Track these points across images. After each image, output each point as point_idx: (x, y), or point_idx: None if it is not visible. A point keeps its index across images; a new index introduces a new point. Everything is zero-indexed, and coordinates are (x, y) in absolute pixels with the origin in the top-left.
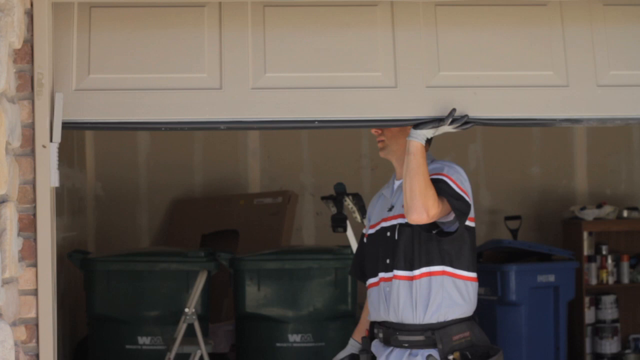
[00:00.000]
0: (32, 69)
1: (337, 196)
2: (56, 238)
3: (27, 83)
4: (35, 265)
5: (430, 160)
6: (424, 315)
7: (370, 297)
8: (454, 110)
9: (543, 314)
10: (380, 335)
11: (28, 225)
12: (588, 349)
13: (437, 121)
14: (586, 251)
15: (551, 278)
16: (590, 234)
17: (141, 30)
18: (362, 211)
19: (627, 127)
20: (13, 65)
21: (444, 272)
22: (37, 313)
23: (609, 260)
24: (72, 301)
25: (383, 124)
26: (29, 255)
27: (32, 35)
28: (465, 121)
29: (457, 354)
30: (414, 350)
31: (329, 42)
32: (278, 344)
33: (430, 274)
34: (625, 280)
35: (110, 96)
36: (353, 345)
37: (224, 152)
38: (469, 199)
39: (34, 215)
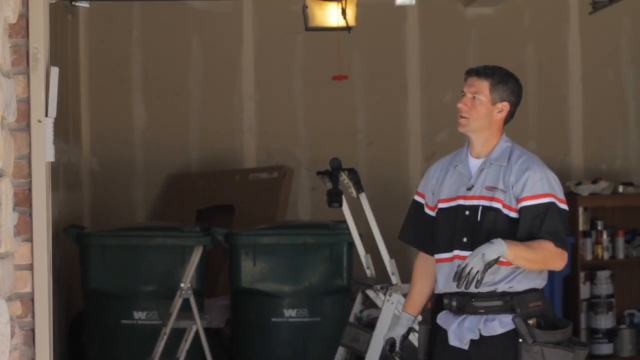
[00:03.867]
0: (27, 44)
1: (333, 171)
2: (52, 213)
3: (22, 58)
4: (30, 240)
5: (510, 144)
6: (502, 288)
7: (440, 270)
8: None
9: None
10: (454, 303)
11: (23, 200)
12: (583, 324)
13: (494, 251)
14: (581, 226)
15: None
16: (585, 209)
17: None
18: (358, 186)
19: (623, 102)
20: (8, 40)
21: None
22: (32, 288)
23: (604, 236)
24: (67, 276)
25: None
26: (24, 230)
27: (27, 10)
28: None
29: (534, 320)
30: (490, 316)
31: None
32: (274, 319)
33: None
34: (621, 255)
35: None
36: (408, 319)
37: (219, 128)
38: None
39: (30, 190)
